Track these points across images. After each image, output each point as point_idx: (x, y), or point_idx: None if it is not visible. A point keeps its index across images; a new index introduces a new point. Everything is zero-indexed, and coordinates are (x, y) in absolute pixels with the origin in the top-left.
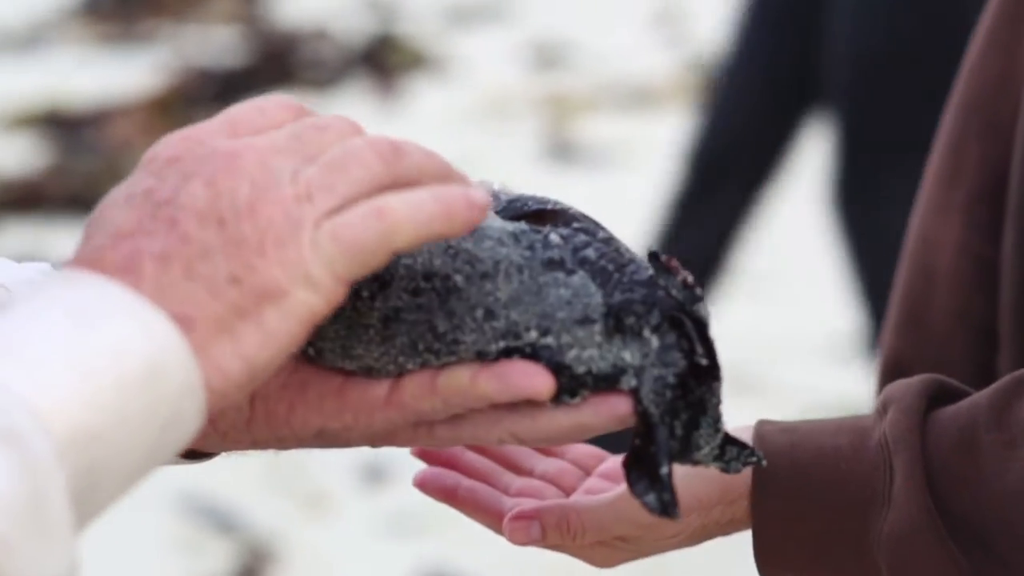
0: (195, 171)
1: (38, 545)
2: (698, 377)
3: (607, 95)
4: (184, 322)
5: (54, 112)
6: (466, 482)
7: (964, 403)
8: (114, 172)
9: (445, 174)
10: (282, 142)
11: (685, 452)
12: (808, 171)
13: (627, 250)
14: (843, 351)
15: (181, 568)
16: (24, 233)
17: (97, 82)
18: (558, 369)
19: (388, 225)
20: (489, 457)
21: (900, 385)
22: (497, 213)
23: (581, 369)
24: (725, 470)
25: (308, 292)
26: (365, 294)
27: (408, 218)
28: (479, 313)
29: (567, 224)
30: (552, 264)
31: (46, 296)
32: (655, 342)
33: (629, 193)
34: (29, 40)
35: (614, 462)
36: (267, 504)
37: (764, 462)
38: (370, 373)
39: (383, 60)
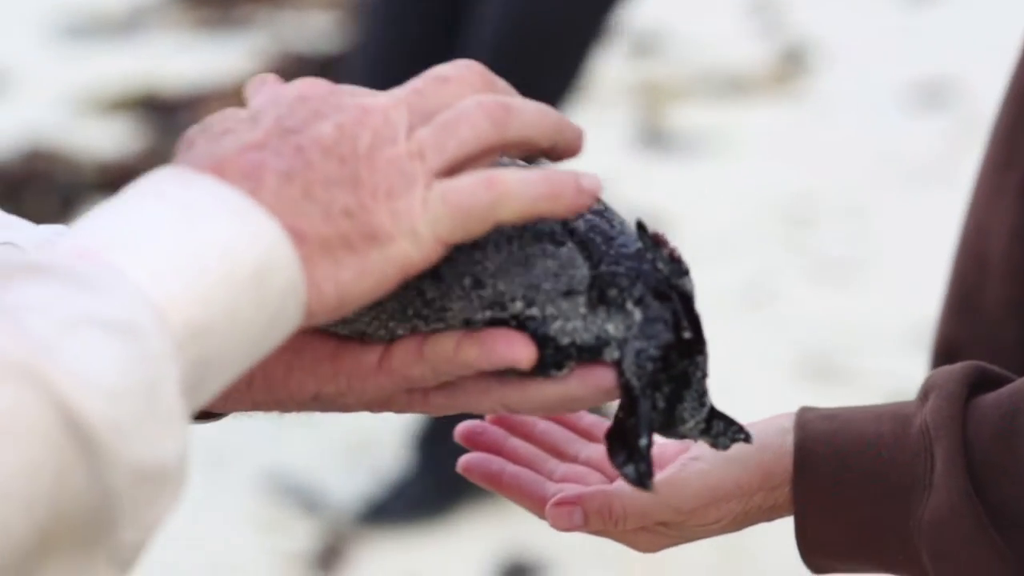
0: (325, 113)
1: (151, 432)
2: (682, 351)
3: (702, 83)
4: (296, 234)
5: (151, 96)
6: (510, 467)
7: (1005, 390)
8: None
9: (558, 131)
10: (403, 95)
11: (669, 425)
12: (893, 159)
13: (619, 221)
14: (928, 338)
15: (264, 547)
16: None
17: (194, 66)
18: (543, 340)
19: (496, 195)
20: (533, 443)
21: (942, 372)
22: None
23: (565, 340)
24: (714, 445)
25: (410, 244)
26: None
27: (517, 192)
28: (467, 281)
29: None
30: (541, 235)
31: (159, 192)
32: (638, 315)
33: (722, 182)
34: (127, 24)
35: (659, 449)
36: (350, 483)
37: (752, 440)
38: (363, 339)
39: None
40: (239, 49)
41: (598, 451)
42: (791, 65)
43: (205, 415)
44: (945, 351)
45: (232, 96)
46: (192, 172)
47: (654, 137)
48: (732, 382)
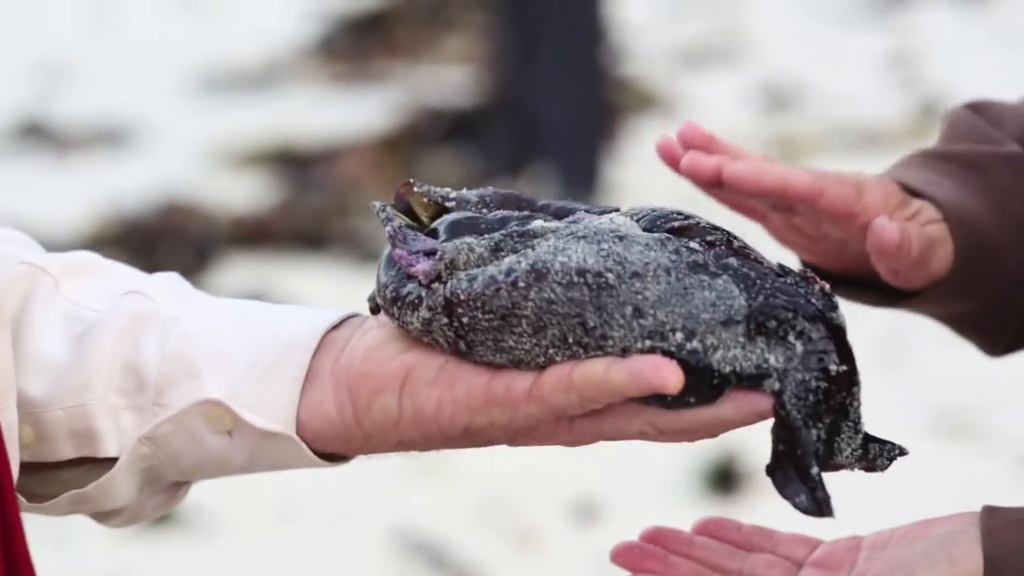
0: None
1: None
2: (839, 382)
3: (837, 137)
4: None
5: (285, 150)
6: None
7: None
8: (342, 210)
9: None
10: None
11: (827, 456)
12: None
13: (764, 259)
14: None
15: None
16: (252, 269)
17: (329, 121)
18: (704, 371)
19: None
20: (693, 560)
21: None
22: (639, 223)
23: (727, 369)
24: (871, 469)
25: None
26: (521, 284)
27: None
28: (628, 310)
29: (703, 235)
30: (697, 267)
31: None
32: (799, 347)
33: None
34: (263, 78)
35: (828, 549)
36: (478, 540)
37: (907, 452)
38: (518, 365)
39: (611, 101)
40: (374, 103)
41: (762, 560)
42: (929, 119)
43: (335, 457)
44: None
45: (366, 150)
46: None
47: None
48: None
